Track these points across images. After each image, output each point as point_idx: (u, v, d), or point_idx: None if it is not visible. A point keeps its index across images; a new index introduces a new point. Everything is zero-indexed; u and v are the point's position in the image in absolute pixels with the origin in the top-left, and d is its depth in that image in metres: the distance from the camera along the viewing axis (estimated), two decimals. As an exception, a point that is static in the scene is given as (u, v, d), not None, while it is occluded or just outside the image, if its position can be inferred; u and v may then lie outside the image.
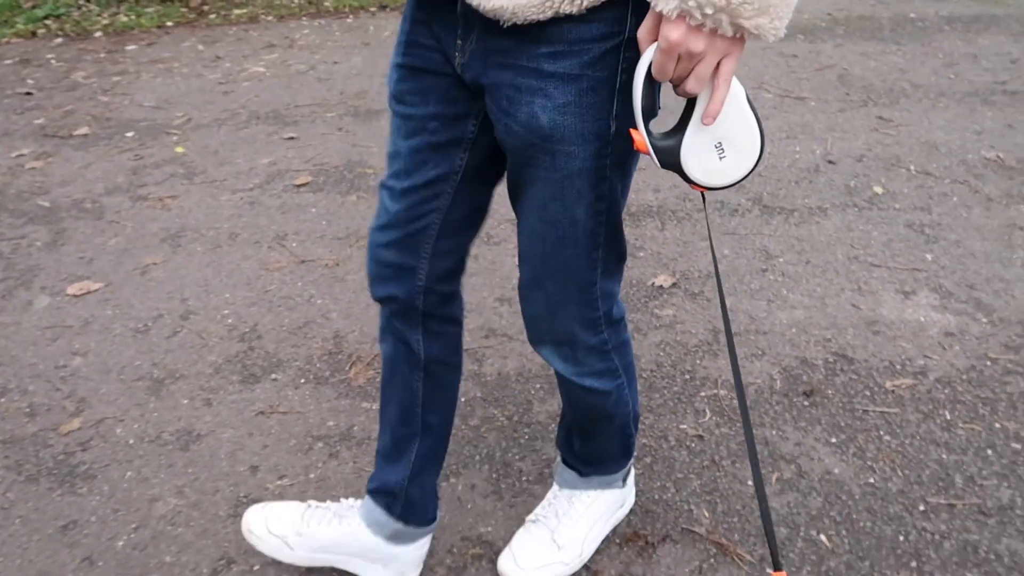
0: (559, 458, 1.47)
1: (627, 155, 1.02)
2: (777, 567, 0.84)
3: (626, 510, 1.51)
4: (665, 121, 0.93)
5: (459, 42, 0.99)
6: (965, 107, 3.22)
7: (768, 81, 3.55)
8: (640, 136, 0.92)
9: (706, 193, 1.00)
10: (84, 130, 3.41)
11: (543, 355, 1.21)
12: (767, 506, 0.85)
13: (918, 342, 1.95)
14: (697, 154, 0.92)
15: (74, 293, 2.29)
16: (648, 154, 0.93)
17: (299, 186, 2.86)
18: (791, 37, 4.11)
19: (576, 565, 1.41)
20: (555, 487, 1.48)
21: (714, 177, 0.93)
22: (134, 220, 2.68)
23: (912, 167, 2.77)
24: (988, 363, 1.87)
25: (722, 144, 0.91)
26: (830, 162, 2.85)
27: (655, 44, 0.86)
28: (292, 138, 3.24)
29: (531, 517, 1.46)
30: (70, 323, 2.17)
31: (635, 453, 1.46)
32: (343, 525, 1.36)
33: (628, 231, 2.47)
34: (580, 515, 1.42)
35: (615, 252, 1.11)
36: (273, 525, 1.37)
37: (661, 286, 2.20)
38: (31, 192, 2.90)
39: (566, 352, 1.18)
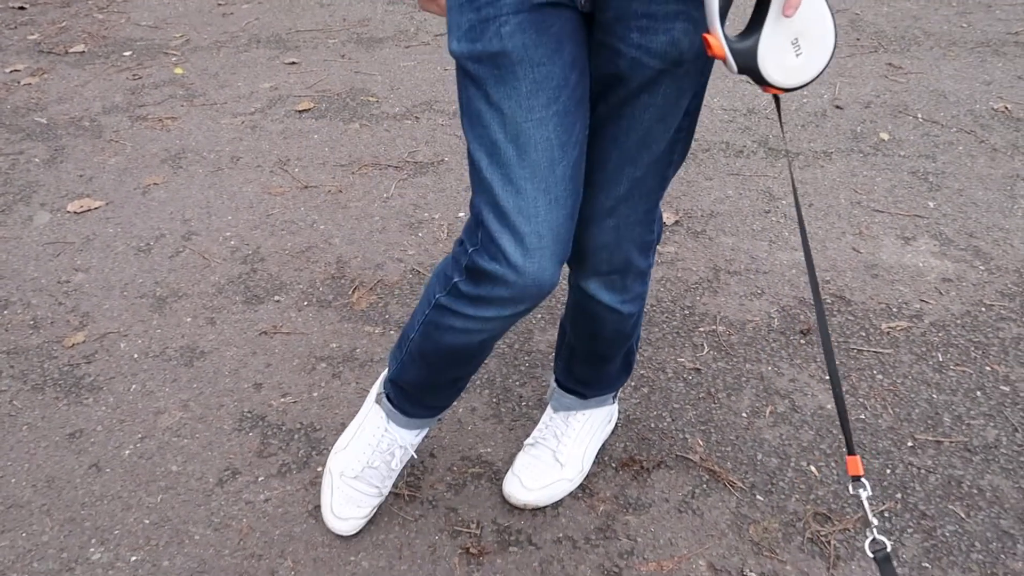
0: (555, 384, 1.49)
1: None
2: (851, 452, 0.91)
3: (613, 424, 1.57)
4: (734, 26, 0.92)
5: None
6: (976, 57, 3.19)
7: (779, 23, 3.49)
8: (716, 40, 0.86)
9: (780, 96, 0.98)
10: (80, 48, 3.34)
11: (589, 288, 1.17)
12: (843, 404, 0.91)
13: (915, 287, 1.97)
14: (775, 53, 0.87)
15: (74, 210, 2.28)
16: (724, 59, 0.87)
17: (301, 112, 2.82)
18: (804, -21, 4.03)
19: (578, 480, 1.46)
20: (549, 411, 1.51)
21: (792, 76, 0.90)
22: (134, 140, 2.65)
23: (919, 115, 2.76)
24: (983, 309, 1.90)
25: (798, 40, 0.88)
26: (838, 107, 2.83)
27: None
28: (293, 63, 3.19)
29: (529, 441, 1.49)
30: (71, 240, 2.17)
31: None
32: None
33: (632, 168, 2.47)
34: (577, 433, 1.47)
35: (676, 171, 1.12)
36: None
37: (665, 224, 2.21)
38: (27, 108, 2.85)
39: (615, 281, 1.17)
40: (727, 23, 0.90)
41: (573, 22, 0.96)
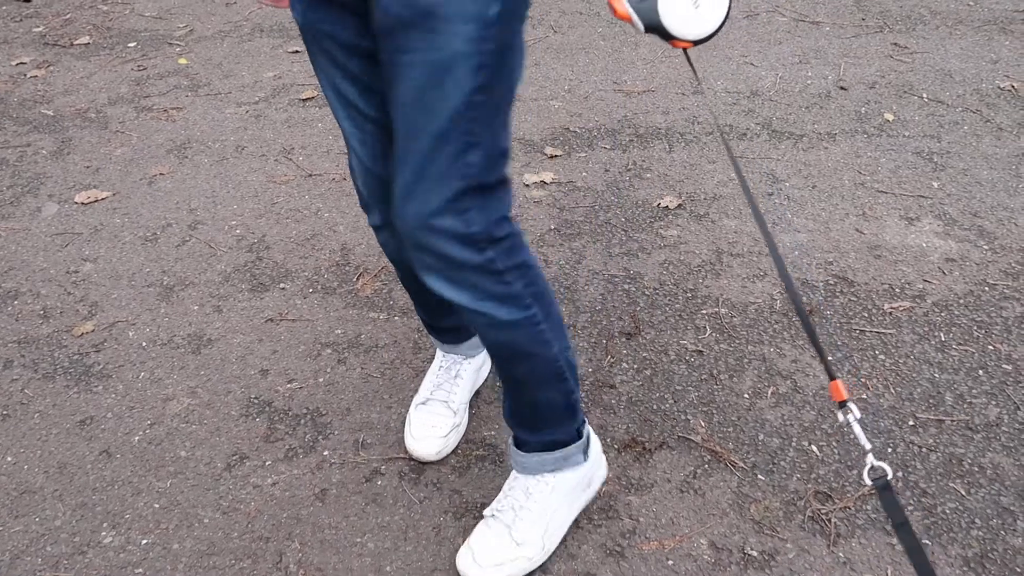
0: (510, 439, 1.34)
1: (509, 48, 0.97)
2: (832, 376, 0.92)
3: (594, 489, 1.38)
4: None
5: None
6: (983, 35, 3.16)
7: (783, 4, 3.47)
8: (620, 4, 0.97)
9: (690, 52, 1.04)
10: (85, 39, 3.36)
11: (433, 286, 1.08)
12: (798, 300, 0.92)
13: (919, 267, 1.97)
14: (673, 6, 0.95)
15: (82, 201, 2.30)
16: (630, 21, 0.97)
17: (305, 100, 2.83)
18: (809, -41, 3.99)
19: (540, 558, 1.30)
20: (512, 474, 1.35)
21: (692, 27, 0.96)
22: (139, 131, 2.67)
23: (925, 95, 2.74)
24: (986, 288, 1.90)
25: None
26: (842, 88, 2.81)
27: None
28: (296, 52, 3.19)
29: (488, 511, 1.33)
30: (79, 230, 2.19)
31: (585, 419, 1.30)
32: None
33: (636, 152, 2.47)
34: (538, 507, 1.29)
35: (493, 160, 1.01)
36: (440, 430, 1.51)
37: (667, 207, 2.21)
38: (34, 101, 2.88)
39: (454, 275, 1.06)
40: None
41: None
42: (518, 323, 1.12)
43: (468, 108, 0.96)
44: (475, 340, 1.55)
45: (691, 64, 1.03)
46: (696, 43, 0.97)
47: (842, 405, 0.91)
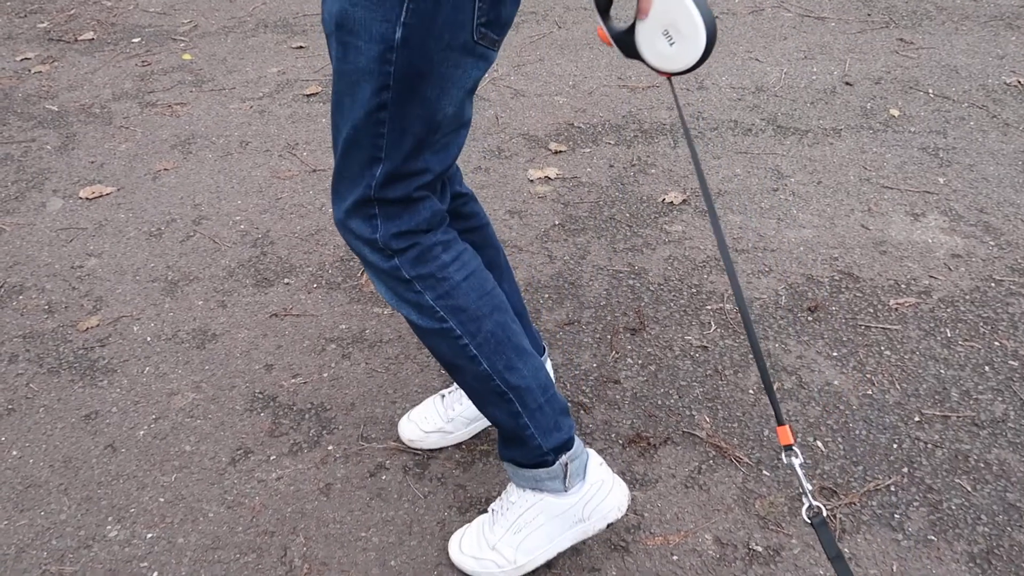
0: None
1: (421, 76, 0.96)
2: (780, 422, 0.96)
3: (595, 527, 1.28)
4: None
5: None
6: (989, 31, 3.14)
7: (788, 0, 3.45)
8: (602, 30, 1.04)
9: (672, 79, 1.07)
10: (89, 35, 3.36)
11: (370, 280, 1.16)
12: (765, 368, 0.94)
13: (924, 263, 1.96)
14: (650, 42, 1.01)
15: (87, 196, 2.30)
16: (611, 45, 1.05)
17: (309, 96, 2.83)
18: (814, -45, 3.97)
19: (511, 570, 1.27)
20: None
21: (668, 62, 1.01)
22: (143, 126, 2.67)
23: (930, 90, 2.73)
24: (992, 284, 1.89)
25: (669, 31, 0.98)
26: (847, 83, 2.80)
27: None
28: (301, 47, 3.19)
29: (492, 505, 1.34)
30: (84, 225, 2.19)
31: (562, 451, 1.21)
32: None
33: (641, 148, 2.46)
34: (515, 517, 1.27)
35: (396, 179, 1.04)
36: (425, 425, 1.51)
37: (671, 203, 2.21)
38: (39, 96, 2.88)
39: (371, 273, 1.13)
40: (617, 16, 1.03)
41: None
42: (435, 332, 1.13)
43: (371, 124, 1.00)
44: None
45: (672, 88, 1.07)
46: (676, 74, 1.02)
47: (787, 448, 0.97)
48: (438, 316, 1.12)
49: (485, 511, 1.39)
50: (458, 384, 1.23)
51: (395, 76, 0.96)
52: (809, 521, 0.94)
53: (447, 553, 1.34)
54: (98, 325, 1.85)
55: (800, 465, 0.98)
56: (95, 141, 2.58)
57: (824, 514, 0.95)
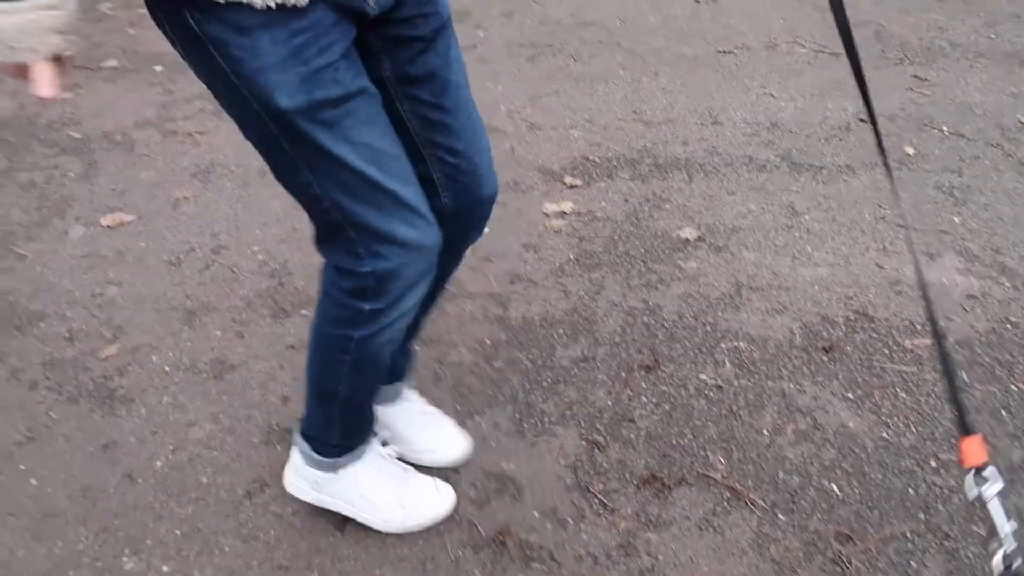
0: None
1: (293, 141, 1.02)
2: (967, 432, 0.76)
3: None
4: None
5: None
6: (1004, 68, 3.16)
7: (803, 35, 3.48)
8: None
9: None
10: (113, 62, 3.42)
11: None
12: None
13: (940, 304, 1.96)
14: None
15: (108, 224, 2.34)
16: None
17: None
18: (828, -10, 4.02)
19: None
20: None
21: None
22: (164, 154, 2.71)
23: (945, 128, 2.74)
24: (1008, 327, 1.89)
25: None
26: (862, 120, 2.82)
27: None
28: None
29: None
30: (104, 253, 2.22)
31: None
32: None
33: (656, 183, 2.48)
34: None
35: (316, 226, 1.16)
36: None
37: (686, 239, 2.22)
38: (62, 123, 2.93)
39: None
40: None
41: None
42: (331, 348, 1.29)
43: (270, 168, 1.11)
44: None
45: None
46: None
47: (978, 471, 0.72)
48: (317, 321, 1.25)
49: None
50: (306, 370, 1.33)
51: (269, 138, 1.07)
52: (1007, 569, 0.73)
53: (461, 593, 1.34)
54: (117, 354, 1.87)
55: (998, 494, 0.73)
56: (117, 169, 2.62)
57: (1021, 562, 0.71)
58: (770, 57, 3.31)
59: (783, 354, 1.82)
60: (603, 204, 2.39)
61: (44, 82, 0.91)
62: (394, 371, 1.49)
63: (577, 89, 3.08)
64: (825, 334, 1.88)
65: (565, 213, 2.35)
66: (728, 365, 1.80)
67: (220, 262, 2.18)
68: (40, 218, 2.37)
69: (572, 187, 2.47)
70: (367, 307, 1.16)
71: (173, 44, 1.01)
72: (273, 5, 0.92)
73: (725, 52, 3.31)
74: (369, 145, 1.06)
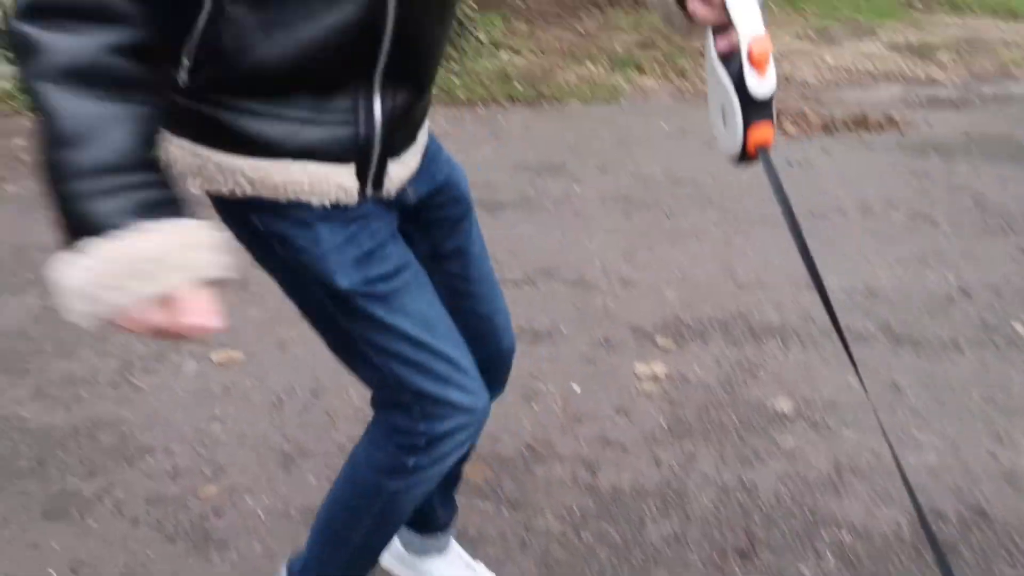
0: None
1: (300, 287, 1.14)
2: None
3: None
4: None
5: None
6: (1116, 244, 3.06)
7: (898, 201, 3.49)
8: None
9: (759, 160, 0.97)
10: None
11: None
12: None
13: (1064, 504, 1.83)
14: (714, 118, 0.98)
15: (219, 361, 2.47)
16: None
17: (427, 273, 3.00)
18: (923, 154, 4.04)
19: None
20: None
21: (722, 145, 0.97)
22: (274, 293, 2.86)
23: (1056, 306, 2.65)
24: None
25: (724, 110, 0.94)
26: (964, 292, 2.75)
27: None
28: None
29: None
30: (213, 389, 2.34)
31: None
32: None
33: (750, 349, 2.46)
34: None
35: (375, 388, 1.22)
36: None
37: (783, 412, 2.17)
38: (187, 257, 3.17)
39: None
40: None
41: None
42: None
43: (327, 344, 1.22)
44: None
45: (768, 164, 0.96)
46: (741, 160, 0.96)
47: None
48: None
49: None
50: (323, 508, 1.36)
51: (285, 283, 1.20)
52: None
53: None
54: (216, 494, 1.93)
55: None
56: (231, 306, 2.79)
57: None
58: (865, 222, 3.31)
59: (891, 550, 1.72)
60: (696, 368, 2.38)
61: (209, 311, 0.88)
62: (439, 521, 1.54)
63: (670, 246, 3.14)
64: (936, 529, 1.77)
65: (657, 376, 2.34)
66: (830, 557, 1.70)
67: (319, 405, 2.26)
68: (159, 351, 2.53)
69: (664, 348, 2.48)
70: (412, 462, 1.20)
71: (239, 240, 1.12)
72: (328, 204, 1.04)
73: (819, 215, 3.34)
74: (422, 313, 1.14)
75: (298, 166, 1.01)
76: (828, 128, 4.47)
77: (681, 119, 4.75)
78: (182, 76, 0.96)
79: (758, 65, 0.89)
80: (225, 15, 0.91)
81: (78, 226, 0.81)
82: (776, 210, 1.03)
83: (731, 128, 0.93)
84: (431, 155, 1.22)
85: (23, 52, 0.80)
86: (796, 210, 0.99)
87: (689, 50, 6.33)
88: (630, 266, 3.00)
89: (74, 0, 0.81)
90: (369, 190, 1.08)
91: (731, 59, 0.91)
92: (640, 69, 5.75)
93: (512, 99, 5.23)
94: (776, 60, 0.92)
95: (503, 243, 3.19)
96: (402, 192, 1.15)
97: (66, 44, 0.79)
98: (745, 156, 0.94)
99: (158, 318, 0.86)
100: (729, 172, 3.87)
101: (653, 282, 2.87)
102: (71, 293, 0.82)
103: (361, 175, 1.06)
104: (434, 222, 1.25)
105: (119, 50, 0.82)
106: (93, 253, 0.81)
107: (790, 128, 4.52)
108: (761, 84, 0.90)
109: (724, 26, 0.92)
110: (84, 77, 0.80)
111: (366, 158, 1.05)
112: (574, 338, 2.55)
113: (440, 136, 1.29)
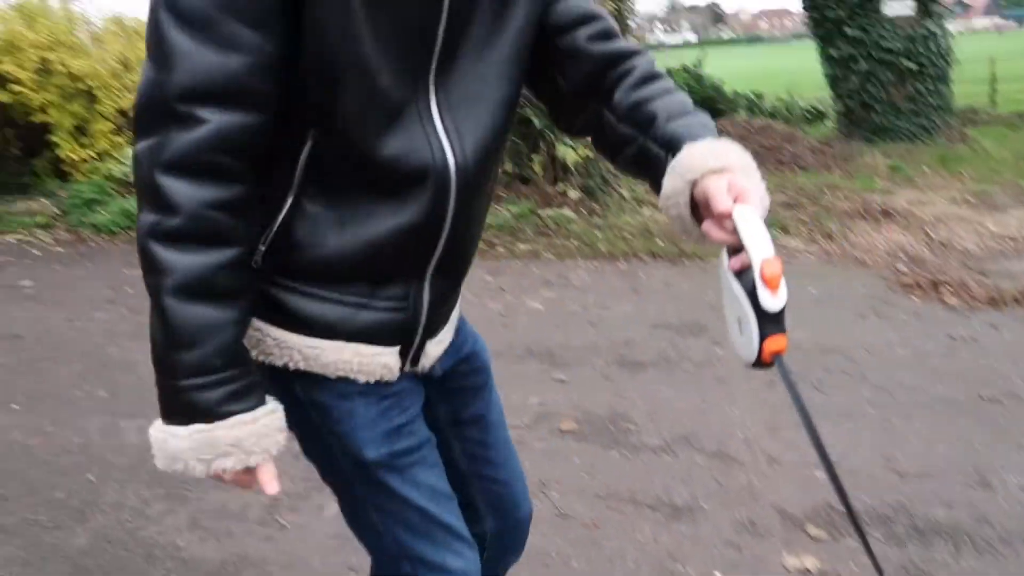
0: None
1: (319, 441, 1.15)
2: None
3: None
4: None
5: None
6: None
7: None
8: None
9: (776, 367, 0.99)
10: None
11: None
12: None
13: None
14: (731, 325, 1.00)
15: (358, 506, 2.53)
16: None
17: (564, 431, 2.99)
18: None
19: None
20: None
21: (739, 350, 0.99)
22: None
23: None
24: None
25: (740, 321, 0.97)
26: None
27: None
28: (561, 380, 3.45)
29: None
30: (349, 535, 2.37)
31: None
32: None
33: (914, 550, 2.24)
34: None
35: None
36: None
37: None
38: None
39: None
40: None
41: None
42: None
43: (340, 507, 1.26)
44: None
45: (784, 375, 0.97)
46: (755, 366, 0.97)
47: None
48: None
49: None
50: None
51: (304, 437, 1.20)
52: None
53: None
54: (345, 651, 1.92)
55: None
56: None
57: None
58: (1045, 411, 3.02)
59: None
60: (852, 567, 2.18)
61: (272, 479, 1.04)
62: None
63: (820, 424, 2.97)
64: None
65: (809, 571, 2.16)
66: None
67: (450, 565, 2.23)
68: (305, 490, 2.62)
69: (815, 540, 2.30)
70: None
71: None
72: (372, 381, 1.11)
73: (989, 400, 3.08)
74: (431, 486, 1.20)
75: (351, 347, 1.09)
76: (995, 302, 4.20)
77: (829, 284, 4.63)
78: (256, 260, 1.06)
79: (770, 284, 0.93)
80: (304, 211, 1.03)
81: (180, 410, 0.97)
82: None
83: (747, 337, 0.97)
84: (457, 329, 1.30)
85: (149, 266, 0.95)
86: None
87: (836, 212, 6.25)
88: (775, 441, 2.86)
89: (194, 227, 0.93)
90: (407, 367, 1.17)
91: (745, 275, 0.96)
92: (785, 230, 5.71)
93: (653, 255, 5.31)
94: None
95: (641, 405, 3.14)
96: (432, 366, 1.24)
97: (186, 263, 0.94)
98: (760, 363, 0.98)
99: (231, 479, 1.03)
100: (884, 345, 3.69)
101: (801, 461, 2.71)
102: (166, 456, 0.99)
103: (403, 354, 1.14)
104: (457, 391, 1.31)
105: (229, 267, 0.97)
106: (190, 432, 0.97)
107: (951, 299, 4.29)
108: (774, 300, 0.94)
109: (737, 247, 0.97)
110: (198, 291, 0.95)
111: (411, 340, 1.14)
112: (716, 516, 2.42)
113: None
